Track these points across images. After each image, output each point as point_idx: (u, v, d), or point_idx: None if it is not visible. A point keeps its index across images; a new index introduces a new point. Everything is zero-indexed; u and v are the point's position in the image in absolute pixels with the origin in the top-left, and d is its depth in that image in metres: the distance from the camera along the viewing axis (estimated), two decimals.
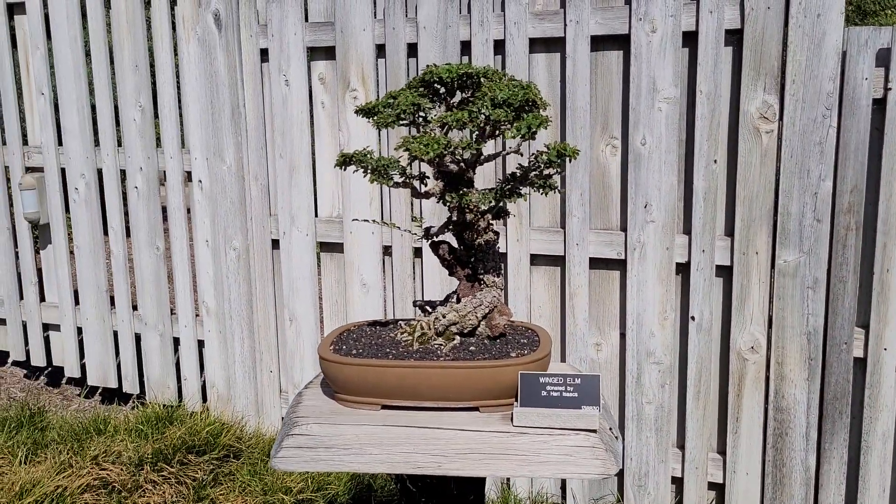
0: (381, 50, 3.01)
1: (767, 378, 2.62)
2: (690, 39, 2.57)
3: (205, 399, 3.64)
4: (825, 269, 2.50)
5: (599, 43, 2.70)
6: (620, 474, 2.87)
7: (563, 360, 2.90)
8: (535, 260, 2.90)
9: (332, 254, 3.24)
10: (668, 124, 2.61)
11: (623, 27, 2.63)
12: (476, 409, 1.62)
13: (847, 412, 2.55)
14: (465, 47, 2.88)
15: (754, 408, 2.66)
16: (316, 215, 3.23)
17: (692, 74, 2.59)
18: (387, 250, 3.12)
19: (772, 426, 2.62)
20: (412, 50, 2.96)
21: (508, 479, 2.98)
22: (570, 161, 1.58)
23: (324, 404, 1.66)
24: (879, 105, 2.39)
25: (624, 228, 2.75)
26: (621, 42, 2.67)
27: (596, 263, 2.82)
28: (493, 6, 2.79)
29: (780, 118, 2.47)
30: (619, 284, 2.80)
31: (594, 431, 1.54)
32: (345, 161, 1.63)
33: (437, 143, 1.49)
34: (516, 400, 1.58)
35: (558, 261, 2.86)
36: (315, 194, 3.23)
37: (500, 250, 2.82)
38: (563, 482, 2.96)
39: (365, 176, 1.59)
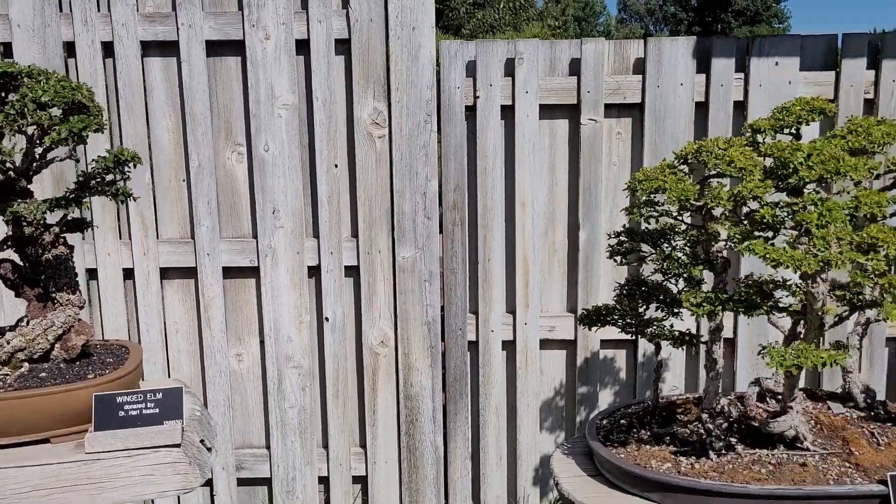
0: None
1: (398, 369, 2.77)
2: (304, 47, 2.63)
3: None
4: (438, 262, 2.71)
5: (217, 48, 2.65)
6: (269, 483, 2.85)
7: (203, 374, 2.80)
8: (168, 273, 2.76)
9: None
10: (288, 130, 2.64)
11: (238, 33, 2.61)
12: (47, 440, 1.48)
13: (466, 392, 2.79)
14: (73, 49, 2.65)
15: (389, 399, 2.80)
16: None
17: (309, 81, 2.65)
18: None
19: (404, 414, 2.78)
20: (8, 50, 2.64)
21: None
22: (133, 167, 1.51)
23: None
24: (471, 111, 2.66)
25: (256, 235, 2.73)
26: (238, 48, 2.64)
27: (231, 272, 2.76)
28: (97, 5, 2.60)
29: (390, 124, 2.63)
30: (256, 292, 2.78)
31: (177, 446, 1.48)
32: None
33: None
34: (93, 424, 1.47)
35: (191, 273, 2.76)
36: None
37: (125, 265, 2.65)
38: (213, 499, 2.86)
39: None
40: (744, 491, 1.58)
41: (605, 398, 2.82)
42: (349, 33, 2.60)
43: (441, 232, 2.72)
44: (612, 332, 2.42)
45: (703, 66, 2.62)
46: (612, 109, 2.67)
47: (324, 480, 2.86)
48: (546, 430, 2.86)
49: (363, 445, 2.86)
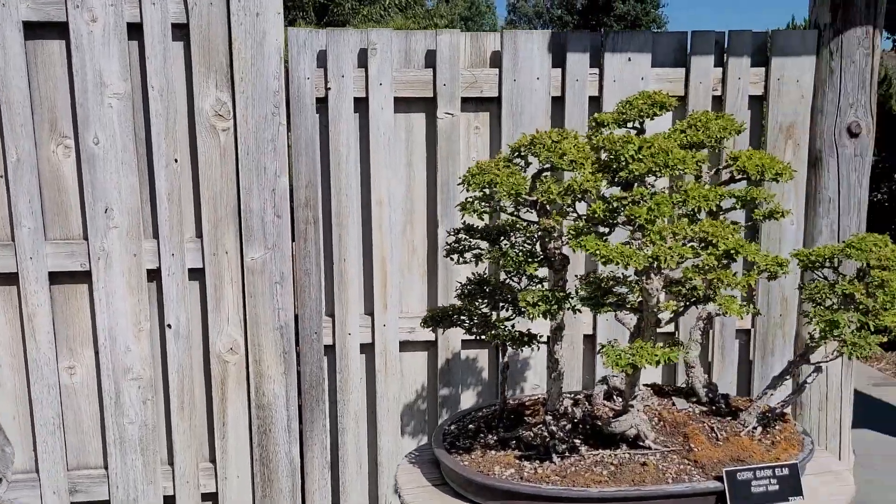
0: None
1: (249, 377, 2.60)
2: (138, 31, 2.42)
3: None
4: (290, 263, 2.56)
5: (37, 30, 2.40)
6: None
7: (29, 390, 2.53)
8: None
9: None
10: (121, 122, 2.43)
11: (60, 14, 2.37)
12: None
13: (324, 399, 2.66)
14: None
15: (240, 409, 2.62)
16: None
17: (144, 69, 2.44)
18: None
19: (256, 424, 2.62)
20: None
21: None
22: None
23: None
24: (323, 104, 2.52)
25: (87, 237, 2.49)
26: (62, 30, 2.40)
27: (59, 278, 2.51)
28: None
29: (235, 115, 2.46)
30: (89, 298, 2.54)
31: None
32: None
33: None
34: None
35: (13, 279, 2.49)
36: None
37: None
38: None
39: None
40: (584, 495, 1.53)
41: (468, 399, 2.75)
42: (187, 17, 2.41)
43: (293, 231, 2.57)
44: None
45: (560, 61, 2.59)
46: (470, 103, 2.61)
47: (170, 500, 2.66)
48: (408, 435, 2.76)
49: (213, 460, 2.67)
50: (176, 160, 2.47)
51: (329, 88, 2.50)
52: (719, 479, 1.56)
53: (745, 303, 1.80)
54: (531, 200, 1.42)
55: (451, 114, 2.55)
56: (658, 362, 1.41)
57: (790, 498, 1.56)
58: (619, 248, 1.31)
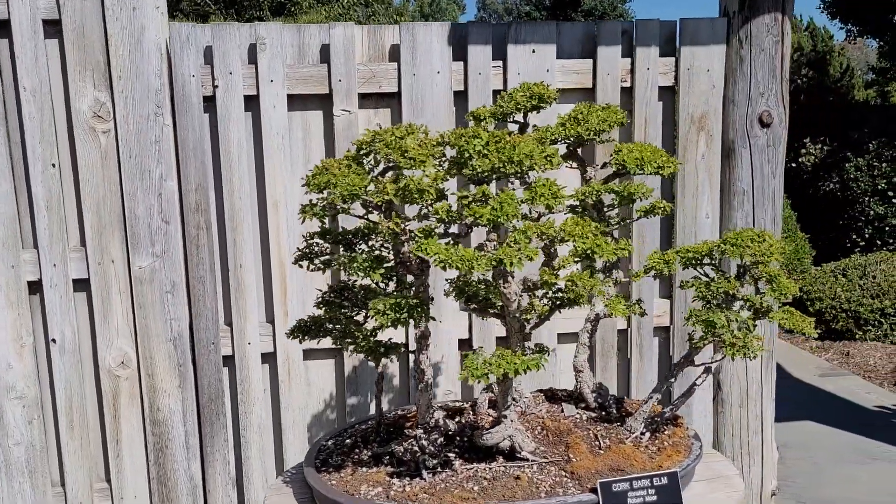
0: None
1: (142, 392, 2.47)
2: (6, 28, 2.27)
3: None
4: (182, 271, 2.43)
5: None
6: None
7: None
8: None
9: None
10: None
11: None
12: None
13: (224, 412, 2.53)
14: None
15: (134, 426, 2.49)
16: None
17: (14, 68, 2.29)
18: None
19: (152, 441, 2.48)
20: None
21: None
22: None
23: None
24: (211, 102, 2.40)
25: None
26: None
27: None
28: None
29: (115, 116, 2.32)
30: None
31: None
32: None
33: None
34: None
35: None
36: None
37: None
38: None
39: None
40: None
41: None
42: (59, 13, 2.27)
43: (184, 237, 2.44)
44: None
45: (462, 54, 2.49)
46: (370, 99, 2.50)
47: None
48: None
49: (108, 479, 2.53)
50: (54, 165, 2.33)
51: (216, 86, 2.37)
52: (594, 490, 1.47)
53: (632, 303, 1.72)
54: (375, 202, 1.31)
55: (347, 111, 2.44)
56: (517, 371, 1.31)
57: None
58: (462, 252, 1.21)
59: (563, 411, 1.78)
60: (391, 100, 2.51)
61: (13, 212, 2.33)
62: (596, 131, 1.66)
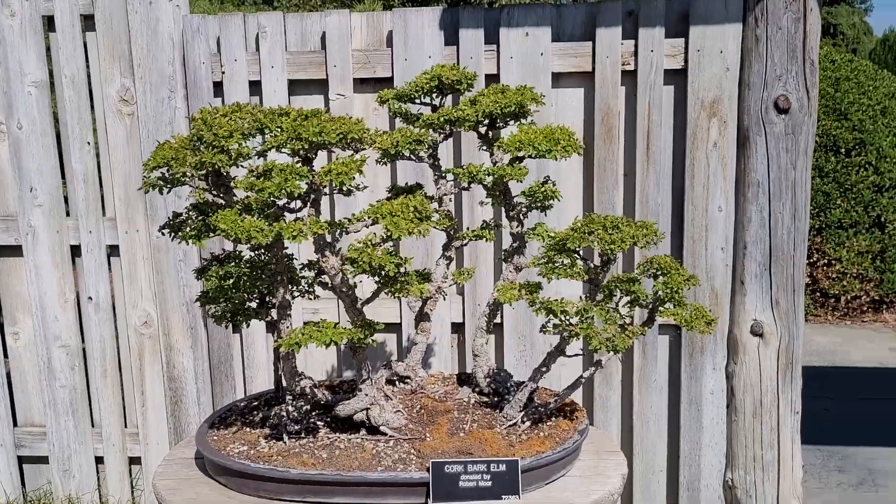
0: None
1: (161, 350, 2.74)
2: (52, 23, 2.60)
3: None
4: None
5: None
6: (46, 460, 2.86)
7: None
8: None
9: None
10: (39, 108, 2.63)
11: None
12: None
13: (232, 375, 2.74)
14: None
15: (156, 380, 2.77)
16: None
17: (58, 58, 2.62)
18: None
19: (169, 396, 2.75)
20: None
21: None
22: None
23: None
24: (220, 87, 2.59)
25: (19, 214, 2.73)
26: None
27: (2, 251, 2.77)
28: None
29: (137, 100, 2.59)
30: (26, 270, 2.78)
31: None
32: None
33: None
34: None
35: None
36: None
37: None
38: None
39: None
40: (284, 476, 1.51)
41: None
42: (93, 8, 2.56)
43: None
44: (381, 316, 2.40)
45: (454, 39, 2.50)
46: (367, 84, 2.58)
47: (101, 460, 2.85)
48: None
49: (137, 425, 2.84)
50: (89, 143, 2.64)
51: (224, 72, 2.57)
52: (429, 469, 1.47)
53: (517, 289, 1.68)
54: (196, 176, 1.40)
55: (342, 95, 2.54)
56: (327, 344, 1.36)
57: (503, 496, 1.45)
58: (244, 223, 1.27)
59: (458, 393, 1.78)
60: (388, 84, 2.57)
61: (58, 184, 2.67)
62: (485, 113, 1.63)
